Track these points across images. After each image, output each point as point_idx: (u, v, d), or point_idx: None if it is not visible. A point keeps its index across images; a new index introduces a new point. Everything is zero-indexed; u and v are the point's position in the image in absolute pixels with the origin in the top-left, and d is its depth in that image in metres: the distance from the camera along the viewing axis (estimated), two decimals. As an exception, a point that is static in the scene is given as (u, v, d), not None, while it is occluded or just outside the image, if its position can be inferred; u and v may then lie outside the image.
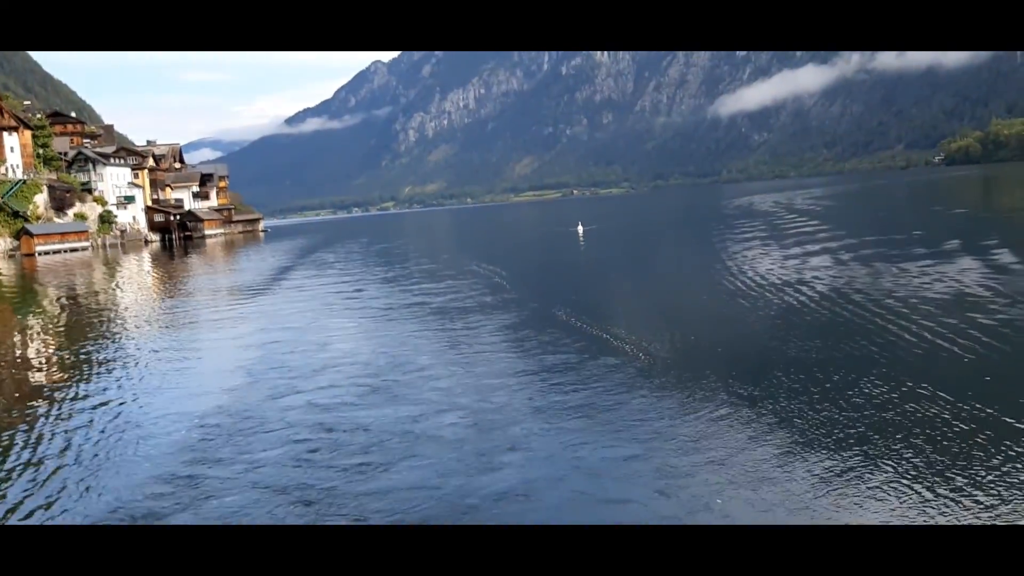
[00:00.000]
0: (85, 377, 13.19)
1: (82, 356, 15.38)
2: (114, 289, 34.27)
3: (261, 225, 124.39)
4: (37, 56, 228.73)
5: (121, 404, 11.11)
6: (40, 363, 15.31)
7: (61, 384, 12.77)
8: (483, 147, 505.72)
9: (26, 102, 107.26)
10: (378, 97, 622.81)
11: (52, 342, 18.20)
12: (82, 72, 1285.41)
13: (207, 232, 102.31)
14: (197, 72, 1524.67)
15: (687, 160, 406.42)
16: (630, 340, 13.02)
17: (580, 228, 51.00)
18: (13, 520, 7.04)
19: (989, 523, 5.65)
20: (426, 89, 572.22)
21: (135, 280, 39.51)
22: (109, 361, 14.68)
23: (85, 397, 11.59)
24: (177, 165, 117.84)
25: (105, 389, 12.14)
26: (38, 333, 20.24)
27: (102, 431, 9.60)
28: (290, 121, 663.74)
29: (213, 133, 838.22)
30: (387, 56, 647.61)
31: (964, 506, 5.89)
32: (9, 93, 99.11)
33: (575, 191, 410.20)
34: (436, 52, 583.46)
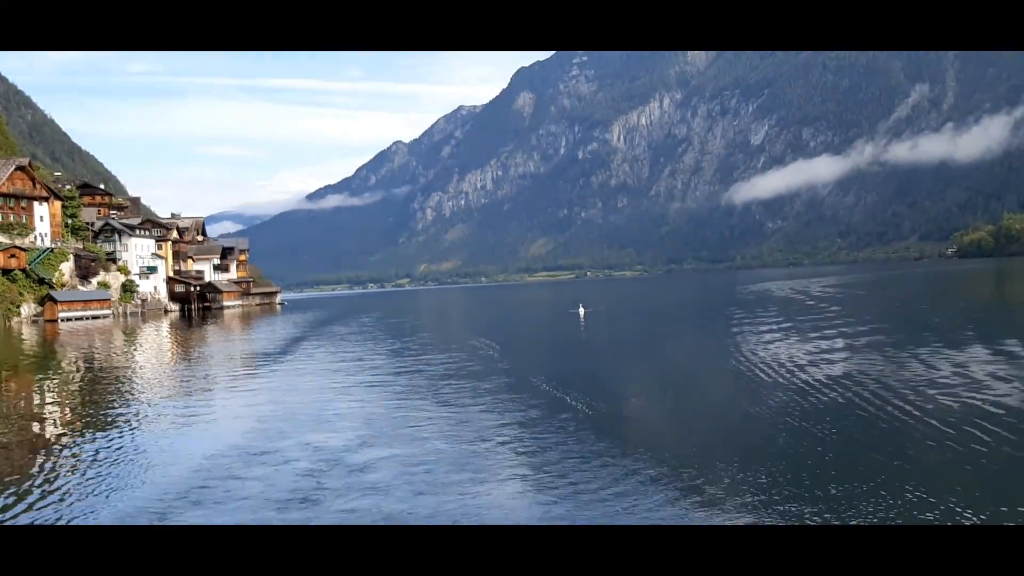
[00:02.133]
0: (89, 436, 14.26)
1: (88, 417, 16.75)
2: (130, 355, 35.23)
3: (278, 298, 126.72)
4: (66, 127, 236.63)
5: (116, 462, 11.99)
6: (57, 420, 16.71)
7: (67, 439, 14.17)
8: (499, 227, 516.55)
9: (56, 173, 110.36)
10: (398, 176, 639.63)
11: (67, 403, 19.54)
12: (108, 143, 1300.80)
13: (225, 303, 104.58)
14: (221, 146, 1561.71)
15: (701, 245, 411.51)
16: (594, 408, 14.79)
17: (581, 310, 51.41)
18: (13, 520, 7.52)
19: (989, 523, 5.63)
20: (444, 170, 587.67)
21: (151, 347, 40.64)
22: (112, 422, 15.69)
23: (85, 454, 12.57)
24: (200, 238, 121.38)
25: (105, 447, 13.10)
26: (57, 395, 21.52)
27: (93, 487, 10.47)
28: (311, 197, 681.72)
29: (235, 206, 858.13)
30: (408, 136, 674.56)
31: None
32: (39, 163, 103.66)
33: (588, 273, 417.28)
34: (456, 135, 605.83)
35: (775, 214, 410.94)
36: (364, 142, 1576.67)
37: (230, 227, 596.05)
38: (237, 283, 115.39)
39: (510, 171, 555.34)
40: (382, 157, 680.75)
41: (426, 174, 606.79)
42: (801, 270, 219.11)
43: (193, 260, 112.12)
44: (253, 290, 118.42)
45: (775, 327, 32.37)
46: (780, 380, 17.21)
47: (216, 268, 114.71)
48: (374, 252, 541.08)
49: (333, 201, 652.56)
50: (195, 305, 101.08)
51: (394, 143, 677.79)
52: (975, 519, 7.51)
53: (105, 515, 8.86)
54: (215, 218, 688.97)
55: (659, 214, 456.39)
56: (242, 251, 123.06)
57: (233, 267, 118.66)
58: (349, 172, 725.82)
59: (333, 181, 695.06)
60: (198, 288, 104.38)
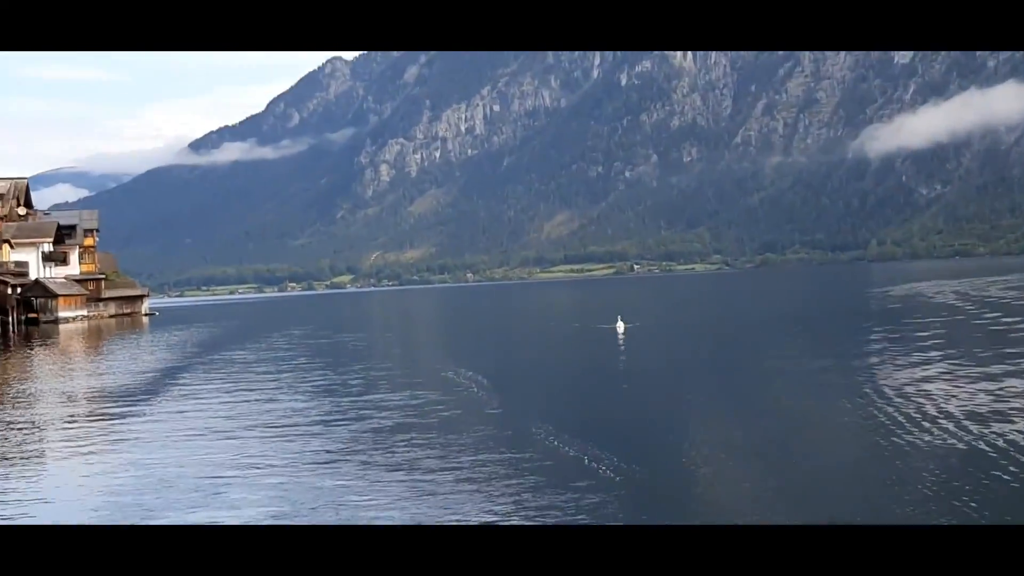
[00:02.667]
0: None
1: None
2: None
3: (145, 305, 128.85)
4: None
5: None
6: None
7: None
8: (494, 194, 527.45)
9: None
10: (335, 113, 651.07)
11: None
12: None
13: (62, 314, 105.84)
14: (61, 67, 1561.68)
15: (814, 224, 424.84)
16: (635, 483, 15.54)
17: (620, 325, 54.91)
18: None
19: (989, 523, 6.93)
20: (410, 102, 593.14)
21: None
22: None
23: None
24: (21, 211, 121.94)
25: None
26: None
27: None
28: (197, 146, 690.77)
29: (78, 160, 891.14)
30: (351, 52, 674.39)
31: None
32: None
33: (636, 266, 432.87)
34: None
35: (932, 175, 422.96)
36: (283, 60, 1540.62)
37: (70, 193, 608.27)
38: (81, 282, 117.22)
39: (512, 105, 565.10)
40: (311, 83, 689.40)
41: (379, 109, 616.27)
42: (972, 263, 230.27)
43: (12, 246, 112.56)
44: (106, 293, 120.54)
45: (933, 358, 32.34)
46: (943, 452, 17.03)
47: (47, 259, 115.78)
48: (297, 234, 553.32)
49: (231, 152, 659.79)
50: (12, 316, 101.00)
51: (329, 61, 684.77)
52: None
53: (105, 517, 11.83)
54: (46, 178, 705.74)
55: (748, 174, 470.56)
56: (88, 231, 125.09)
57: (74, 257, 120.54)
58: (258, 106, 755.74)
59: (232, 121, 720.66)
60: (18, 290, 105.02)
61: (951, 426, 19.22)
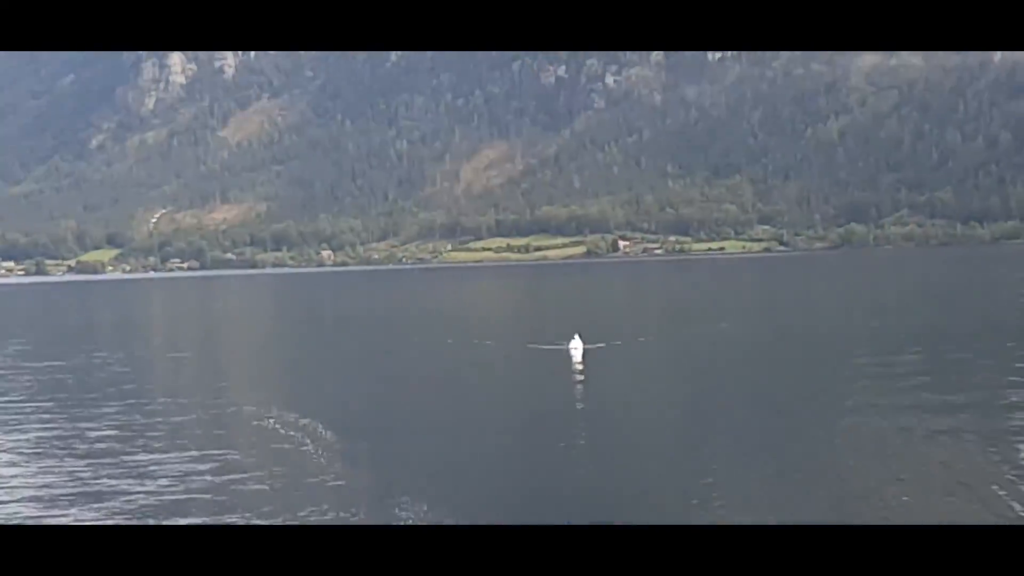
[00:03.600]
0: None
1: None
2: None
3: None
4: None
5: None
6: None
7: None
8: (375, 111, 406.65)
9: None
10: None
11: None
12: None
13: None
14: None
15: (933, 175, 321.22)
16: None
17: (576, 347, 48.45)
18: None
19: (989, 523, 8.05)
20: None
21: None
22: None
23: None
24: None
25: None
26: None
27: None
28: None
29: None
30: None
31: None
32: None
33: (623, 243, 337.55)
34: None
35: None
36: None
37: None
38: None
39: None
40: None
41: None
42: None
43: None
44: None
45: None
46: None
47: None
48: (17, 174, 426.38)
49: None
50: None
51: None
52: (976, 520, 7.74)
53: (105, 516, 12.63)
54: None
55: (821, 85, 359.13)
56: None
57: None
58: None
59: None
60: None
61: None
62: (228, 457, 24.96)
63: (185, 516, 16.50)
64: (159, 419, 32.20)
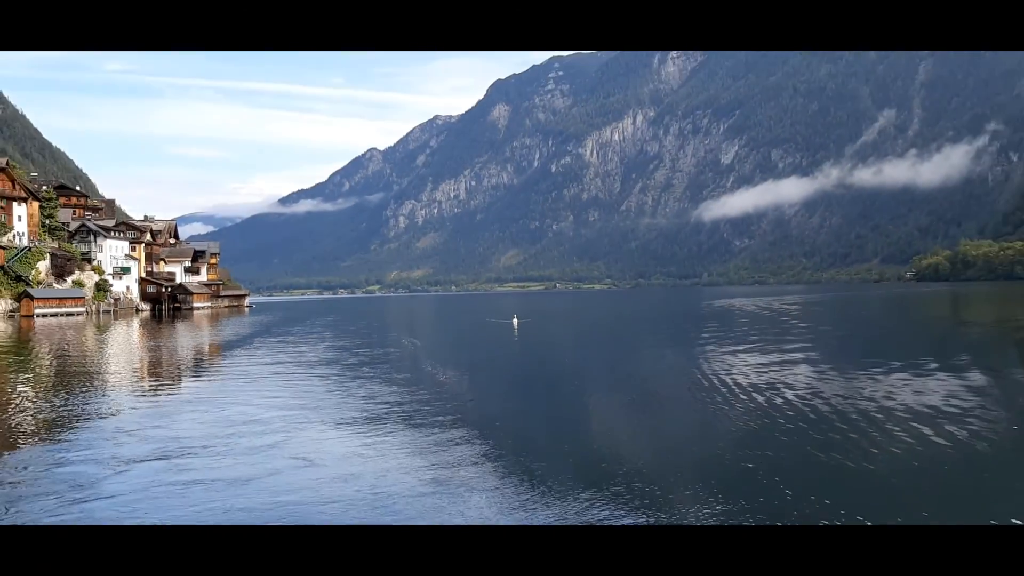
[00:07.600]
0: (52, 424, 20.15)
1: (56, 407, 23.13)
2: (98, 349, 45.98)
3: (247, 301, 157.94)
4: (37, 123, 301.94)
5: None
6: (22, 409, 22.90)
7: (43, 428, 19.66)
8: (470, 237, 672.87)
9: (32, 173, 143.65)
10: (371, 183, 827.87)
11: (34, 393, 26.21)
12: (81, 140, 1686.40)
13: (195, 305, 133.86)
14: (195, 148, 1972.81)
15: (669, 261, 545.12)
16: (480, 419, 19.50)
17: (516, 321, 63.02)
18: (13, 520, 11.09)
19: (989, 523, 8.75)
20: (418, 178, 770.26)
21: (122, 341, 53.24)
22: (80, 409, 21.98)
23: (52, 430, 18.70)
24: (172, 240, 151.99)
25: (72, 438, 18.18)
26: (26, 384, 29.07)
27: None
28: (284, 201, 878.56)
29: (208, 208, 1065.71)
30: (383, 144, 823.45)
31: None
32: (14, 163, 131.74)
33: (558, 284, 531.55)
34: (431, 144, 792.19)
35: (743, 233, 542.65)
36: (339, 148, 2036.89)
37: (200, 228, 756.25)
38: (207, 285, 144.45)
39: (483, 182, 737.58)
40: (357, 164, 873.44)
41: (400, 182, 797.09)
42: (765, 288, 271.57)
43: (165, 262, 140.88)
44: (222, 292, 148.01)
45: (740, 341, 38.74)
46: (722, 382, 22.37)
47: (187, 270, 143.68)
48: (345, 257, 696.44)
49: (306, 206, 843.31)
50: (166, 305, 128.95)
51: (369, 150, 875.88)
52: (972, 520, 10.90)
53: (104, 515, 12.37)
54: (187, 219, 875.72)
55: (629, 229, 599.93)
56: (213, 254, 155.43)
57: (204, 270, 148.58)
58: (323, 177, 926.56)
59: (307, 186, 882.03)
60: (169, 289, 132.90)
61: (747, 391, 22.65)
62: (374, 350, 31.43)
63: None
64: (360, 338, 39.05)
